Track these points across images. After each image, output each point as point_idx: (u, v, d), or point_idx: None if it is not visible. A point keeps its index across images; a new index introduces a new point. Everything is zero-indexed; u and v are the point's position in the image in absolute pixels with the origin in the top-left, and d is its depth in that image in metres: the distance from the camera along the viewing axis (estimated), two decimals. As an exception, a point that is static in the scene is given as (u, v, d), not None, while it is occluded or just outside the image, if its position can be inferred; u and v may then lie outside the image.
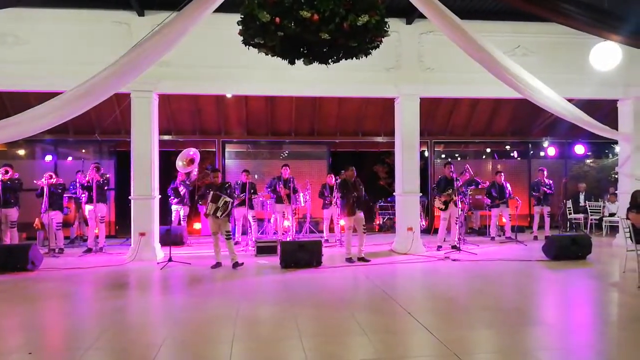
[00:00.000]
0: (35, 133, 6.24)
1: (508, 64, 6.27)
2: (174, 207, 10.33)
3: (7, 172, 8.71)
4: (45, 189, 8.79)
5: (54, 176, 9.02)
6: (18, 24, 8.10)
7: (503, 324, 4.55)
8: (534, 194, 10.73)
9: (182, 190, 10.30)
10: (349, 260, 7.85)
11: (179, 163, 8.30)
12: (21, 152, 11.92)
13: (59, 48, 8.18)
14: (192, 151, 8.41)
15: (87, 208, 9.24)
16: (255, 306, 5.35)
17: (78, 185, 9.54)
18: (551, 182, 10.63)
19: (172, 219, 10.16)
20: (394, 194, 9.85)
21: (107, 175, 9.54)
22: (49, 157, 11.65)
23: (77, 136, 11.45)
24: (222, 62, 8.34)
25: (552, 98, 6.74)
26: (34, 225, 9.57)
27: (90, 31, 8.26)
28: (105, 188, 9.31)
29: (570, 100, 7.41)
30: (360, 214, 7.91)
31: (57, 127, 6.51)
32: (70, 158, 12.09)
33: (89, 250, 9.02)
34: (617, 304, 5.58)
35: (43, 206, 8.83)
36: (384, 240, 10.18)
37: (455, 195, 8.89)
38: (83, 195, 9.38)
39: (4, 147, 11.54)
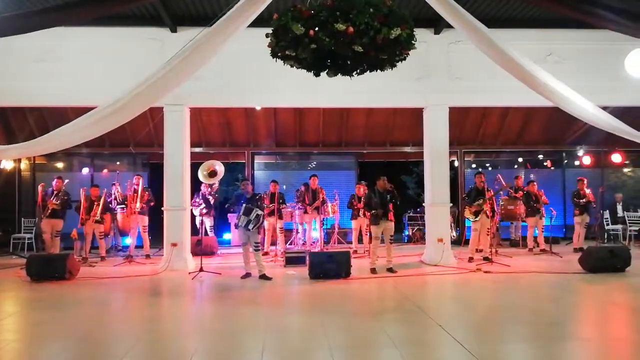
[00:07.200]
0: (69, 146, 6.48)
1: (538, 73, 6.12)
2: (199, 219, 10.18)
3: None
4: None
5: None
6: (58, 41, 8.40)
7: (538, 338, 4.42)
8: (577, 201, 10.44)
9: (212, 200, 10.39)
10: (373, 271, 7.77)
11: (201, 174, 8.46)
12: (60, 164, 12.36)
13: (96, 64, 8.47)
14: (217, 165, 8.55)
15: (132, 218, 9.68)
16: (285, 316, 5.38)
17: (113, 197, 9.92)
18: (589, 191, 10.37)
19: (199, 229, 10.08)
20: (423, 204, 9.76)
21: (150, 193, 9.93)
22: (85, 170, 12.05)
23: (113, 149, 11.82)
24: (251, 75, 8.47)
25: (585, 107, 6.53)
26: (71, 235, 9.88)
27: (126, 48, 8.55)
28: (152, 204, 9.82)
29: (605, 108, 7.20)
30: (389, 224, 7.84)
31: (94, 140, 6.73)
32: (105, 170, 12.47)
33: (129, 257, 9.19)
34: (659, 319, 5.36)
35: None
36: (413, 252, 10.07)
37: (486, 206, 8.74)
38: (120, 207, 9.86)
39: (43, 160, 12.02)
